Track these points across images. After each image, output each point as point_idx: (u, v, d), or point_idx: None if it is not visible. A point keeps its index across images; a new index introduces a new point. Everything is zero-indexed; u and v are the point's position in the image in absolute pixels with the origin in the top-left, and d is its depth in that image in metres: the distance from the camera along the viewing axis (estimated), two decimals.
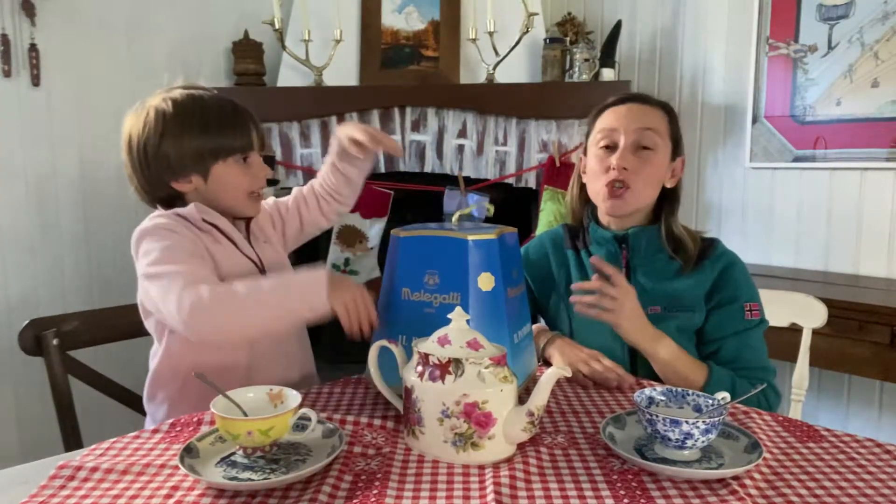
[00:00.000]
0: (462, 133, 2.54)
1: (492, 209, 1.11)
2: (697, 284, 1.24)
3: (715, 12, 2.60)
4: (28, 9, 2.26)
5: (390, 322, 1.01)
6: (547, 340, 1.24)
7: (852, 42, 2.23)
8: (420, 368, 0.84)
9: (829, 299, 1.57)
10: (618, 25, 2.64)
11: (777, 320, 1.48)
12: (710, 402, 0.86)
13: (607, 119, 1.27)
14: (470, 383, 0.80)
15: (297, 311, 1.02)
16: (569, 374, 0.83)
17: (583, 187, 1.35)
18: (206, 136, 1.12)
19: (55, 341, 1.26)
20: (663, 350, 1.14)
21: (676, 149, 1.28)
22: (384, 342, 0.92)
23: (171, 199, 1.16)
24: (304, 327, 1.29)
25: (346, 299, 1.01)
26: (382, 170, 2.56)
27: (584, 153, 1.34)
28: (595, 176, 1.27)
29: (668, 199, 1.28)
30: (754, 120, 2.49)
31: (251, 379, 1.11)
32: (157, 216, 1.12)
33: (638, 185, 1.23)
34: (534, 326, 1.26)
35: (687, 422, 0.78)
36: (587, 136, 1.33)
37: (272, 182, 2.45)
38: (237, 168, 1.15)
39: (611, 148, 1.25)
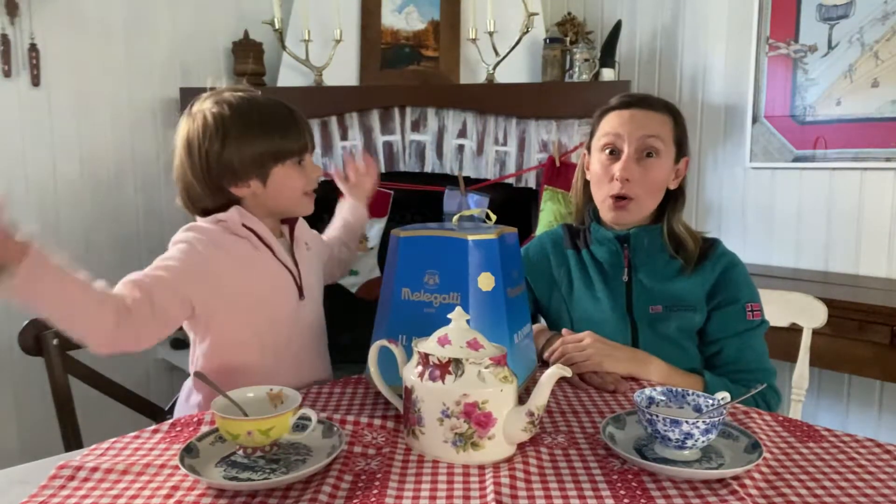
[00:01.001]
0: (462, 133, 2.54)
1: (493, 218, 1.11)
2: (698, 284, 1.24)
3: (715, 12, 2.60)
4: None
5: (390, 322, 1.01)
6: (546, 340, 1.24)
7: (852, 42, 2.23)
8: (420, 368, 0.84)
9: (829, 299, 1.57)
10: (618, 25, 2.64)
11: (777, 320, 1.48)
12: (710, 402, 0.86)
13: (611, 123, 1.26)
14: (470, 383, 0.80)
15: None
16: (569, 374, 0.83)
17: (587, 183, 1.35)
18: (268, 139, 1.11)
19: (55, 341, 1.26)
20: (654, 372, 1.15)
21: (680, 150, 1.28)
22: (384, 342, 0.92)
23: (224, 207, 1.14)
24: (325, 330, 1.29)
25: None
26: (383, 170, 2.56)
27: (588, 150, 1.34)
28: (599, 182, 1.27)
29: (671, 199, 1.28)
30: (754, 120, 2.49)
31: (266, 381, 1.11)
32: (196, 228, 1.12)
33: (641, 196, 1.23)
34: (534, 326, 1.26)
35: (687, 422, 0.78)
36: (591, 134, 1.33)
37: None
38: (294, 170, 1.15)
39: (614, 153, 1.25)
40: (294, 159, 1.14)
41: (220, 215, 1.13)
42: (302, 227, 1.26)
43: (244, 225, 1.13)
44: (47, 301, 0.92)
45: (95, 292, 0.96)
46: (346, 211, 1.48)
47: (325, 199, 1.46)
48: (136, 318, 0.99)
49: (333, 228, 1.47)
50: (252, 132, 1.10)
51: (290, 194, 1.15)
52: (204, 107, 1.12)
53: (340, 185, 1.49)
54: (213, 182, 1.11)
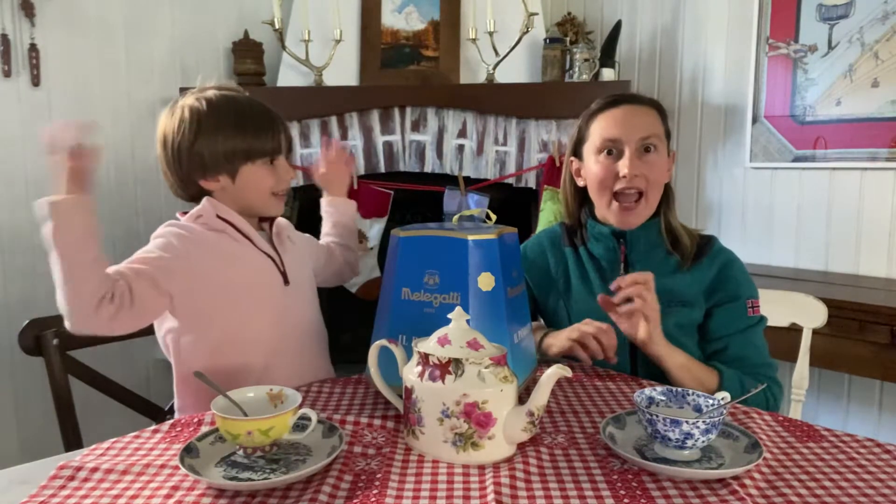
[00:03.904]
0: (462, 133, 2.54)
1: (494, 218, 1.11)
2: (696, 281, 1.24)
3: (715, 12, 2.60)
4: (27, 8, 2.26)
5: (390, 322, 1.01)
6: (545, 333, 1.25)
7: (852, 42, 2.23)
8: (420, 368, 0.84)
9: (829, 299, 1.57)
10: (618, 25, 2.64)
11: (777, 320, 1.47)
12: (711, 402, 0.86)
13: (604, 124, 1.26)
14: (470, 383, 0.80)
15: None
16: (569, 374, 0.83)
17: (578, 190, 1.35)
18: (239, 137, 1.14)
19: (55, 341, 1.26)
20: (679, 354, 1.15)
21: (668, 143, 1.29)
22: (384, 342, 0.92)
23: (200, 197, 1.18)
24: (323, 327, 1.30)
25: None
26: (382, 170, 2.56)
27: (575, 155, 1.34)
28: (602, 184, 1.26)
29: (664, 194, 1.29)
30: (754, 120, 2.49)
31: (267, 380, 1.11)
32: (174, 225, 1.14)
33: (648, 191, 1.23)
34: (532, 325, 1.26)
35: (687, 422, 0.78)
36: (577, 140, 1.32)
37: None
38: (264, 170, 1.17)
39: (612, 153, 1.25)
40: (265, 159, 1.17)
41: (195, 210, 1.15)
42: (283, 224, 1.28)
43: (219, 216, 1.15)
44: (66, 241, 0.95)
45: (104, 263, 1.00)
46: (331, 209, 1.46)
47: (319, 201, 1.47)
48: (116, 303, 1.01)
49: (326, 233, 1.46)
50: (225, 128, 1.13)
51: (258, 193, 1.18)
52: (185, 102, 1.16)
53: (317, 181, 1.47)
54: (183, 173, 1.15)
